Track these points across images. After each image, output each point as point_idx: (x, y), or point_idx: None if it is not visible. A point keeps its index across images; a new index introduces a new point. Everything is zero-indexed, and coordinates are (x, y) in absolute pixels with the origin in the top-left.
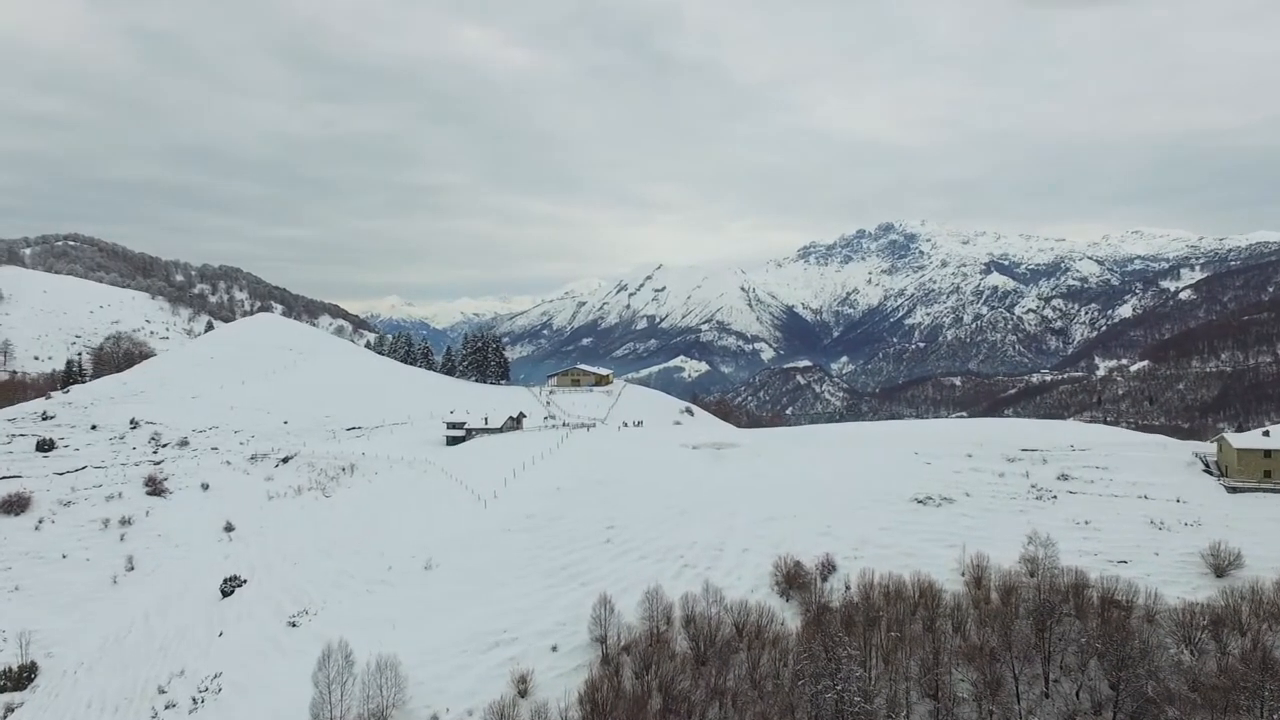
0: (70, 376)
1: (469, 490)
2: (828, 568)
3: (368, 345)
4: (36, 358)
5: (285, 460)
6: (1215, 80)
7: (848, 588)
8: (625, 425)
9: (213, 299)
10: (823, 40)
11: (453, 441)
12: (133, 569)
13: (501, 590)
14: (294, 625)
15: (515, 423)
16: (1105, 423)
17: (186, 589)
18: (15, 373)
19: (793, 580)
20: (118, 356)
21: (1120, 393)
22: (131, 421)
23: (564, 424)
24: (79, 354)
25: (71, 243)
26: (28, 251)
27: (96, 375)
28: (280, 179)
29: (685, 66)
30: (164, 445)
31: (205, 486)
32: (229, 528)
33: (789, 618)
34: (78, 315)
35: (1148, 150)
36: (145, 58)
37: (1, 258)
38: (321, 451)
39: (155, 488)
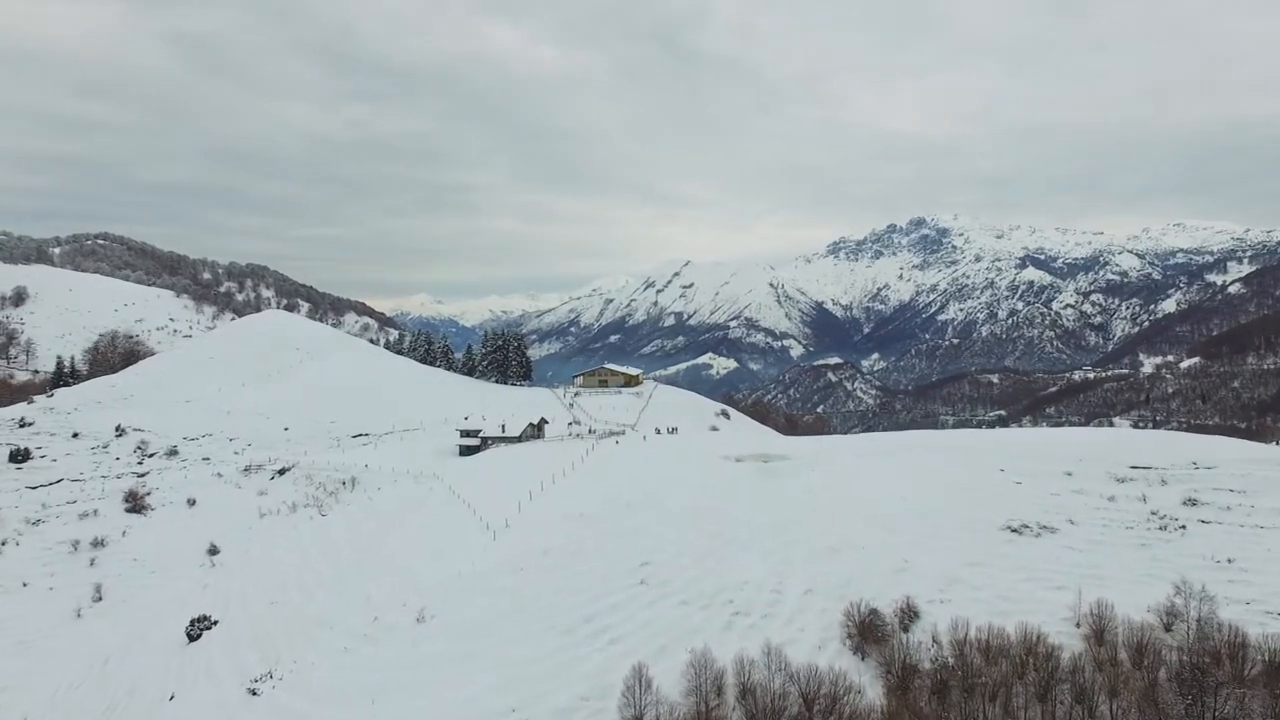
0: (60, 378)
1: (477, 515)
2: (909, 614)
3: (386, 345)
4: (59, 356)
5: (282, 472)
6: (1258, 69)
7: (935, 642)
8: (658, 431)
9: (239, 297)
10: (854, 33)
11: (466, 451)
12: (100, 599)
13: (509, 651)
14: (254, 694)
15: (536, 430)
16: (1154, 421)
17: (153, 628)
18: (37, 371)
19: (868, 632)
20: (114, 356)
21: (1170, 390)
22: (117, 429)
23: (590, 430)
24: (75, 353)
25: (101, 241)
26: (57, 251)
27: (92, 376)
28: (314, 179)
29: (715, 62)
30: (151, 455)
31: (191, 502)
32: (213, 550)
33: (867, 682)
34: (102, 313)
35: (1188, 141)
36: (182, 61)
37: (31, 256)
38: (322, 462)
39: (135, 504)
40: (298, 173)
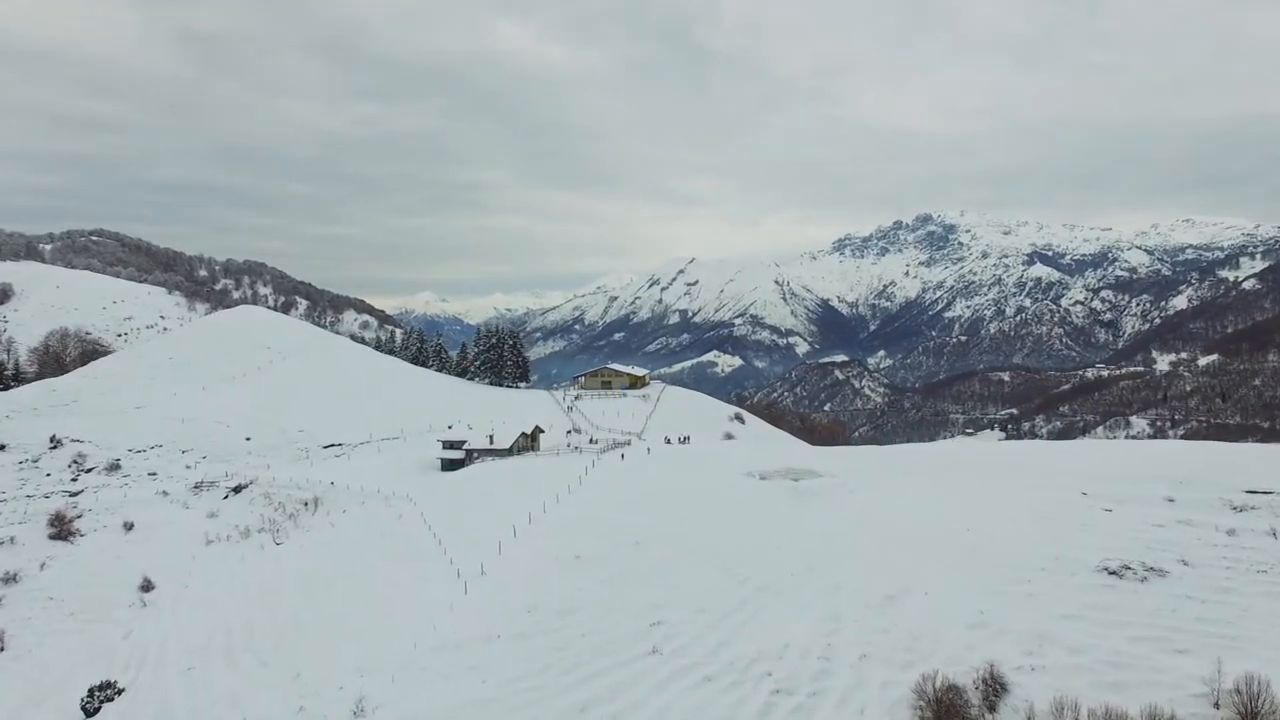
0: (1, 381)
1: (448, 556)
2: (994, 688)
3: (378, 343)
4: (2, 359)
5: (237, 490)
6: (1269, 62)
7: None
8: (668, 441)
9: (236, 294)
10: (863, 30)
11: (449, 466)
12: (2, 650)
13: None
14: None
15: (529, 441)
16: (1173, 421)
17: (55, 691)
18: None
19: (948, 715)
20: (65, 356)
21: (1188, 389)
22: (52, 439)
23: (591, 440)
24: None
25: (94, 238)
26: (49, 248)
27: (40, 379)
28: (322, 178)
29: (723, 59)
30: (88, 470)
31: (129, 526)
32: (146, 586)
33: None
34: (90, 311)
35: (1198, 136)
36: (193, 60)
37: (20, 253)
38: (284, 478)
39: (61, 529)
40: (307, 171)
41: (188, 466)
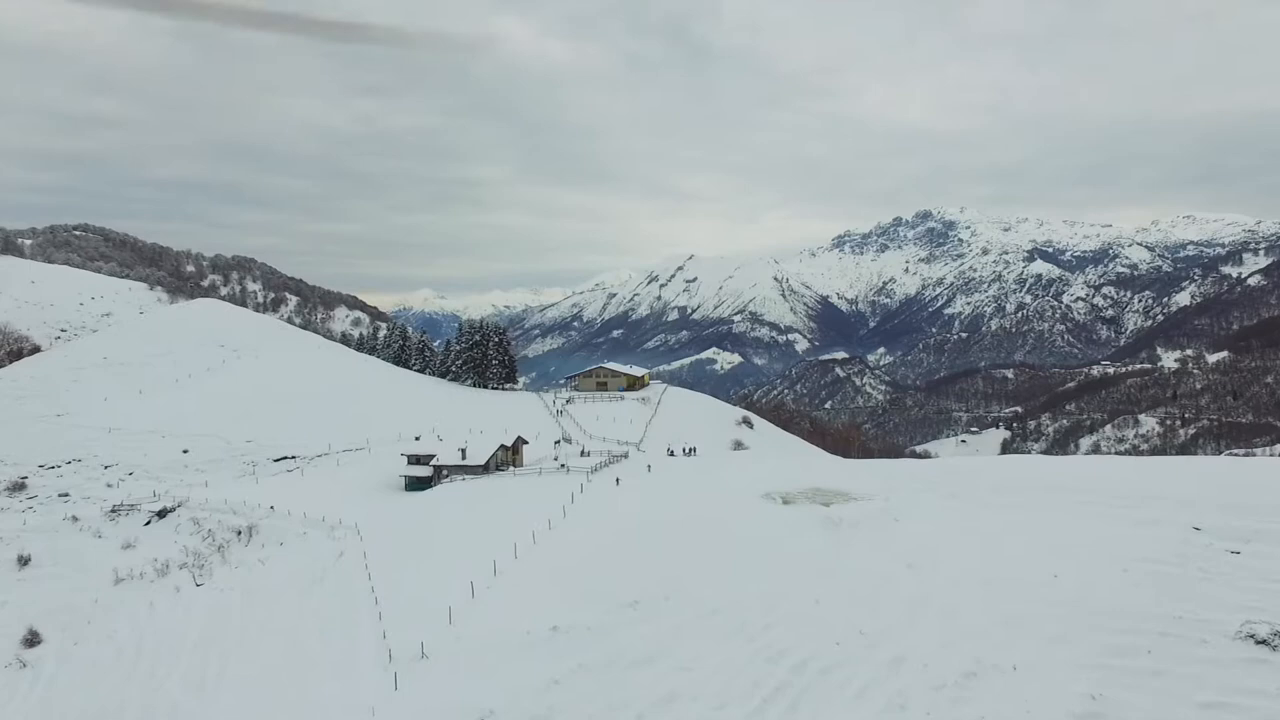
0: None
1: (383, 622)
2: None
3: (360, 340)
4: None
5: (161, 514)
6: (1270, 59)
7: None
8: (672, 453)
9: (224, 290)
10: (865, 25)
11: (414, 485)
12: None
13: None
14: None
15: (509, 454)
16: (1183, 419)
17: None
18: None
19: None
20: None
21: (1198, 386)
22: None
23: (583, 452)
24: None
25: (78, 232)
26: (28, 243)
27: None
28: (322, 174)
29: (724, 55)
30: None
31: (24, 560)
32: (31, 640)
33: None
34: (66, 307)
35: (1199, 133)
36: (191, 56)
37: None
38: (219, 500)
39: None
40: (307, 168)
41: (109, 485)
